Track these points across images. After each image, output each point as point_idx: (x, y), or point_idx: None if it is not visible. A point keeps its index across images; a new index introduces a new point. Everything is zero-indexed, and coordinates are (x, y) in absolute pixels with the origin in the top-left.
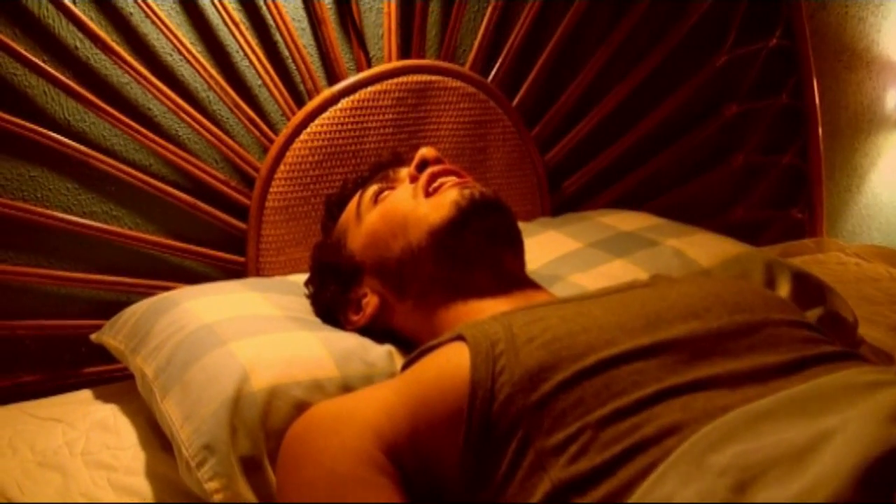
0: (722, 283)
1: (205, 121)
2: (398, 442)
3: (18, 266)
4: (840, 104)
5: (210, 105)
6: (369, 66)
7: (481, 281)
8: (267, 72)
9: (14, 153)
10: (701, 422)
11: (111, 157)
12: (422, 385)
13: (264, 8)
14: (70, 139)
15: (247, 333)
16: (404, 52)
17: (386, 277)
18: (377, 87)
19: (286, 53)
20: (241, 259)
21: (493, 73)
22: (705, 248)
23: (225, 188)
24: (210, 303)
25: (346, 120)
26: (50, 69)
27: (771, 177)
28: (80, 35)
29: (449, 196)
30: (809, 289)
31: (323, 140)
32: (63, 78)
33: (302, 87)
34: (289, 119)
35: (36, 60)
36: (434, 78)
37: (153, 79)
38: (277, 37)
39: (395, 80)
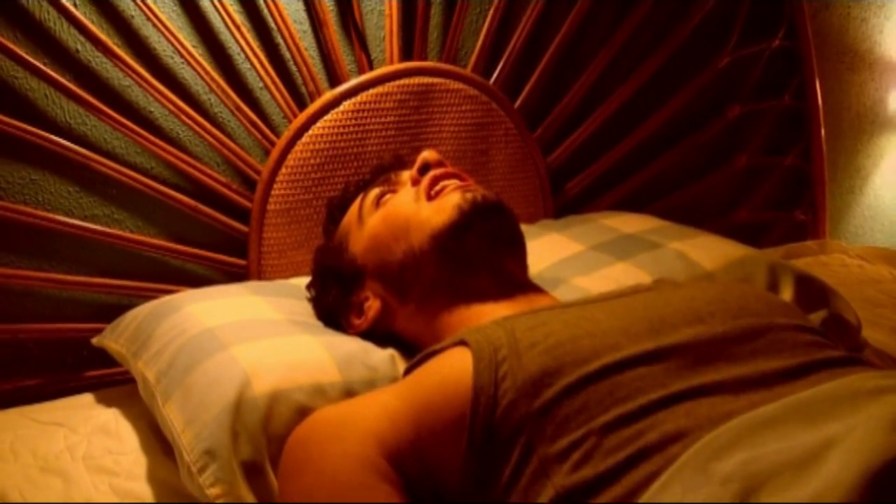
0: (726, 288)
1: (206, 123)
2: (400, 448)
3: (20, 269)
4: (843, 105)
5: (211, 108)
6: (371, 68)
7: (484, 284)
8: (268, 74)
9: (15, 156)
10: (705, 428)
11: (112, 161)
12: (424, 390)
13: (265, 10)
14: (71, 142)
15: (248, 338)
16: (406, 55)
17: (388, 281)
18: (379, 89)
19: (288, 56)
20: (243, 262)
21: (495, 74)
22: (708, 251)
23: (226, 191)
24: (212, 307)
25: (348, 122)
26: (51, 72)
27: (774, 178)
28: (82, 38)
29: (451, 199)
30: (813, 291)
31: (325, 142)
32: (64, 81)
33: (303, 90)
34: (290, 121)
35: (37, 63)
36: (436, 80)
37: (154, 81)
38: (279, 39)
39: (397, 83)
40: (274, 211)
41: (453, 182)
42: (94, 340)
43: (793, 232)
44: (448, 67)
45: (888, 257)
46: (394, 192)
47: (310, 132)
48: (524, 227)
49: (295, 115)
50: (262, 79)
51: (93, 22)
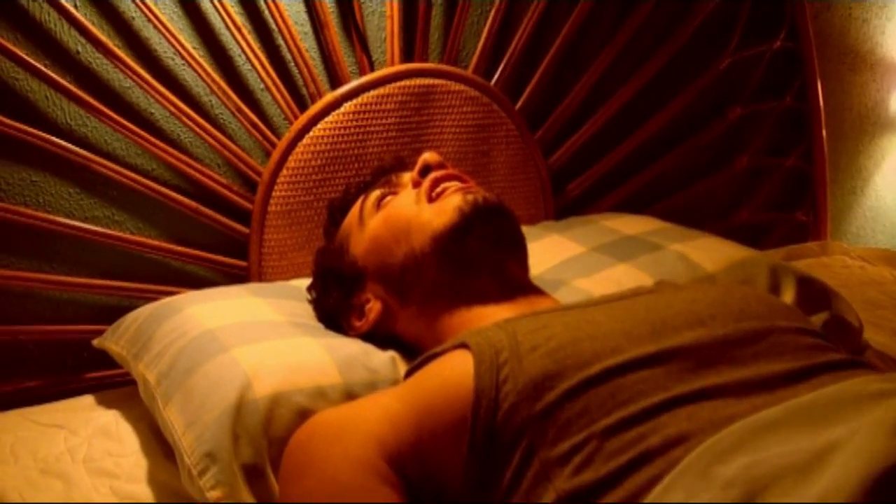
0: (727, 290)
1: (207, 125)
2: (401, 451)
3: (20, 271)
4: (844, 106)
5: (212, 109)
6: (372, 69)
7: (485, 287)
8: (269, 75)
9: (16, 158)
10: (707, 432)
11: (113, 162)
12: (425, 393)
13: (266, 11)
14: (72, 144)
15: (249, 339)
16: (407, 56)
17: (389, 283)
18: (380, 90)
19: (288, 57)
20: (244, 263)
21: (496, 76)
22: (709, 253)
23: (227, 192)
24: (212, 308)
25: (349, 124)
26: (52, 74)
27: (775, 179)
28: (82, 39)
29: (452, 201)
30: (814, 293)
31: (325, 144)
32: (64, 82)
33: (304, 91)
34: (291, 123)
35: (37, 65)
36: (437, 81)
37: (155, 83)
38: (280, 40)
39: (398, 84)
40: (275, 212)
41: (454, 184)
42: (95, 342)
43: (794, 233)
44: (449, 69)
45: (890, 258)
46: (395, 193)
47: (311, 134)
48: (525, 229)
49: (296, 117)
50: (262, 80)
51: (93, 23)
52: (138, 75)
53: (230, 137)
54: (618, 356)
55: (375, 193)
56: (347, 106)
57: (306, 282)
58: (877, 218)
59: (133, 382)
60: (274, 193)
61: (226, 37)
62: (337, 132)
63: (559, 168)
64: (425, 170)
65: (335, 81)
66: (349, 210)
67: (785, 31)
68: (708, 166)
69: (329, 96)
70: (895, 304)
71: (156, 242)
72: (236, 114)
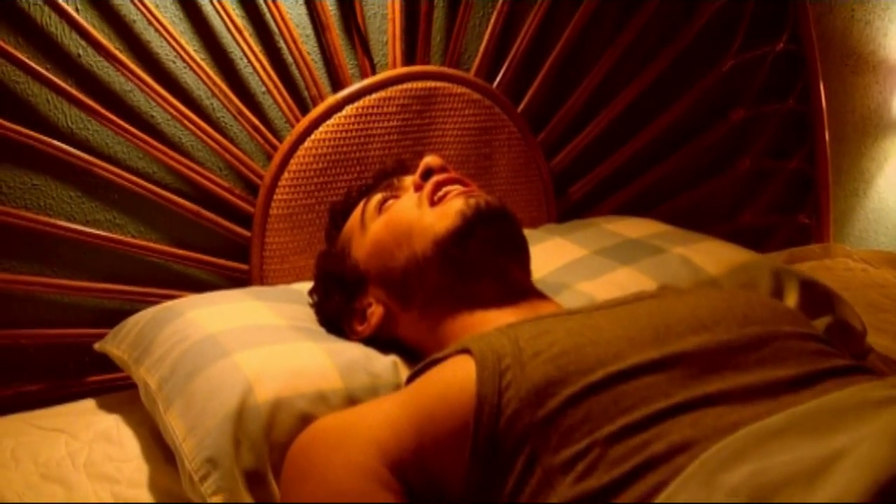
0: (731, 295)
1: (208, 128)
2: (403, 457)
3: (21, 275)
4: (847, 108)
5: (214, 112)
6: (373, 72)
7: (487, 291)
8: (270, 78)
9: (17, 161)
10: (711, 439)
11: (114, 165)
12: (427, 399)
13: (268, 14)
14: (73, 147)
15: (251, 344)
16: (409, 59)
17: (391, 287)
18: (381, 93)
19: (290, 60)
20: (245, 267)
21: (498, 78)
22: (712, 256)
23: (229, 196)
24: (214, 312)
25: (351, 127)
26: (53, 77)
27: (777, 181)
28: (83, 43)
29: (454, 205)
30: (817, 297)
31: (327, 147)
32: (66, 86)
33: (306, 94)
34: (293, 126)
35: (39, 69)
36: (439, 84)
37: (156, 86)
38: (281, 43)
39: (400, 87)
40: (276, 216)
41: (456, 187)
42: (96, 346)
43: (797, 235)
44: (451, 71)
45: (892, 261)
46: (396, 197)
47: (312, 137)
48: (527, 232)
49: (297, 120)
50: (264, 83)
51: (94, 26)
52: (139, 78)
53: (231, 140)
54: (621, 362)
55: (377, 197)
56: (349, 109)
57: (308, 286)
58: (879, 220)
59: (134, 386)
60: (275, 197)
61: (227, 39)
62: (338, 135)
63: (561, 171)
64: (427, 173)
65: (337, 84)
66: (351, 214)
67: (787, 33)
68: (710, 169)
69: (331, 99)
70: None
71: (157, 246)
72: (237, 117)
